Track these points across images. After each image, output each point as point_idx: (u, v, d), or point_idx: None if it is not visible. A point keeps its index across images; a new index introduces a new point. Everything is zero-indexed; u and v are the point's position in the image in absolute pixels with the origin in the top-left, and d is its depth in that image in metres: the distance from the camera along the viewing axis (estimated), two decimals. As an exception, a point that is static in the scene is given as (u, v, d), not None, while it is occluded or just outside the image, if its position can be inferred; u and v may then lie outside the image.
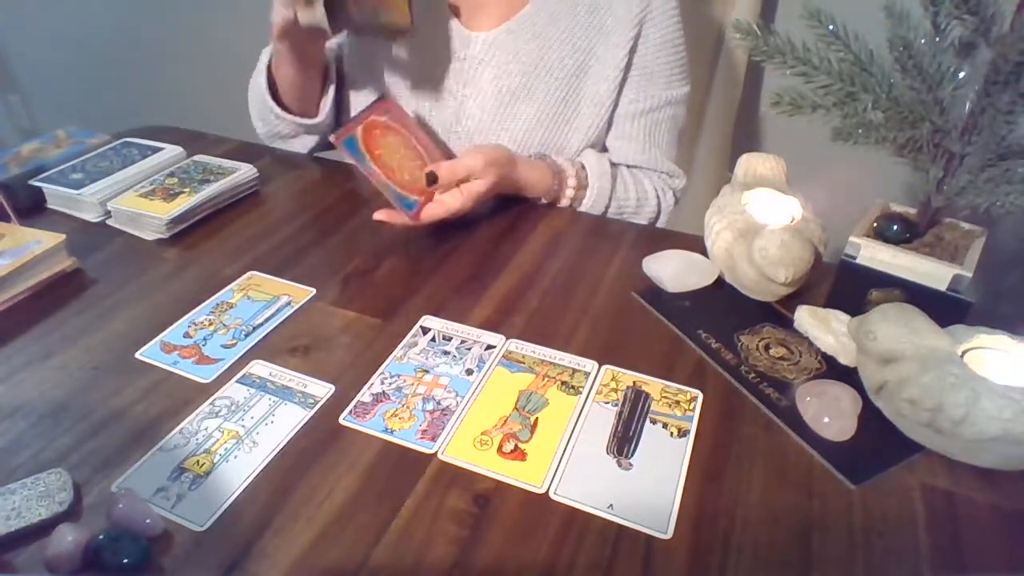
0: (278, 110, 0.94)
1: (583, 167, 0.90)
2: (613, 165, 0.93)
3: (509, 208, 0.88)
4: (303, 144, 1.00)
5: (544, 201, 0.89)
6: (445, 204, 0.79)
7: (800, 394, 0.59)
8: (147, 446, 0.55)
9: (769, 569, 0.47)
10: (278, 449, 0.55)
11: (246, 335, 0.66)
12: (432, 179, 0.77)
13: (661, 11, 0.88)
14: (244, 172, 0.89)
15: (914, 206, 0.67)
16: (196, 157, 0.93)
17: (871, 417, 0.57)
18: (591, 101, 0.91)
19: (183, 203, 0.81)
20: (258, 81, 0.95)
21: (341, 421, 0.57)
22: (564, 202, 0.90)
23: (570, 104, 0.91)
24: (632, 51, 0.89)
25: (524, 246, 0.81)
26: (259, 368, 0.63)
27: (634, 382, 0.62)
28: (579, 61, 0.90)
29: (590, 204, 0.89)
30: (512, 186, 0.85)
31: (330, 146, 1.04)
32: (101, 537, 0.46)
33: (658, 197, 0.95)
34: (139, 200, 0.82)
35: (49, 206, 0.86)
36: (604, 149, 0.97)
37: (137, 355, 0.64)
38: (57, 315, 0.69)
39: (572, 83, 0.90)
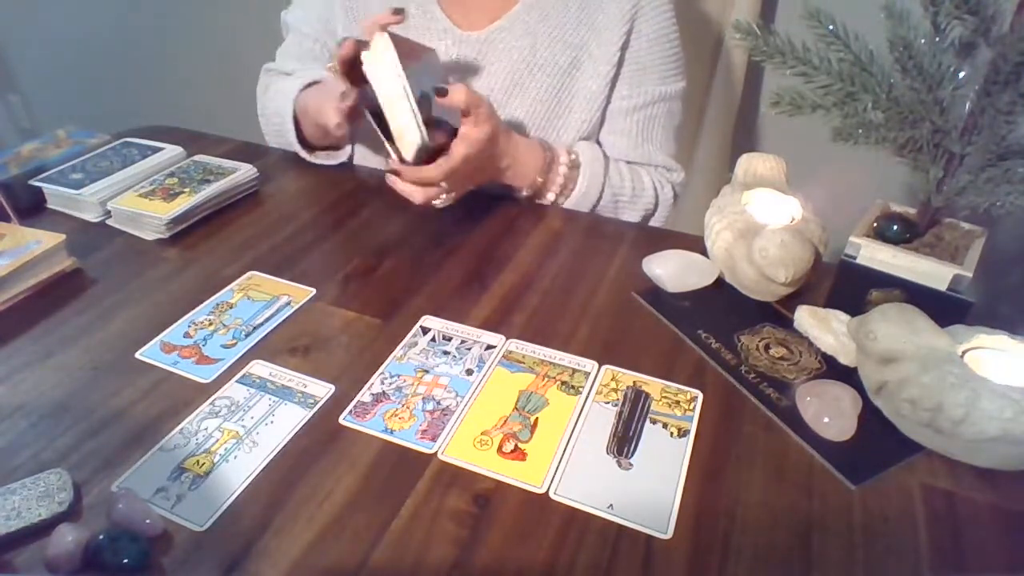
0: (308, 156, 0.97)
1: (576, 152, 0.90)
2: (607, 157, 0.93)
3: (509, 208, 0.88)
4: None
5: (540, 180, 0.87)
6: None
7: (800, 394, 0.59)
8: (147, 446, 0.55)
9: (769, 569, 0.47)
10: (278, 449, 0.55)
11: (246, 335, 0.66)
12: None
13: (653, 6, 0.88)
14: (244, 172, 0.89)
15: (914, 206, 0.67)
16: (196, 157, 0.93)
17: (871, 417, 0.57)
18: (584, 97, 0.91)
19: (183, 203, 0.81)
20: (285, 129, 0.95)
21: (341, 421, 0.57)
22: (556, 182, 0.88)
23: (563, 100, 0.91)
24: (624, 47, 0.89)
25: (524, 246, 0.81)
26: (259, 368, 0.63)
27: (634, 382, 0.62)
28: (571, 57, 0.90)
29: (584, 188, 0.88)
30: (503, 157, 0.83)
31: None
32: (101, 537, 0.46)
33: (655, 189, 0.94)
34: (139, 200, 0.82)
35: (49, 206, 0.86)
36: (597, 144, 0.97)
37: (137, 355, 0.64)
38: (57, 315, 0.69)
39: (564, 79, 0.90)
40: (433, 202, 0.80)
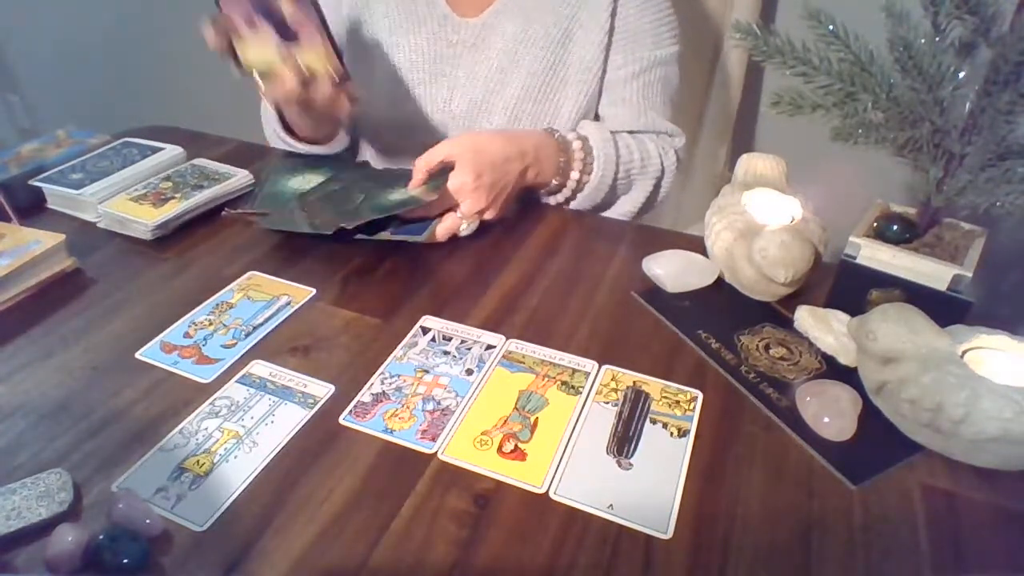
0: (295, 143, 0.95)
1: (586, 138, 0.89)
2: (611, 132, 0.93)
3: (508, 207, 0.88)
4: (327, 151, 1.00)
5: (562, 159, 0.86)
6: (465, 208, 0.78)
7: (800, 394, 0.59)
8: (147, 446, 0.55)
9: (769, 569, 0.47)
10: (278, 449, 0.55)
11: (246, 335, 0.66)
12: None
13: None
14: (239, 179, 0.88)
15: (914, 206, 0.67)
16: (195, 161, 0.93)
17: (871, 417, 0.57)
18: (578, 68, 0.92)
19: (171, 209, 0.81)
20: (269, 117, 0.95)
21: (341, 421, 0.57)
22: (577, 158, 0.87)
23: (558, 72, 0.92)
24: (613, 14, 0.90)
25: (524, 246, 0.81)
26: (259, 368, 0.63)
27: (634, 382, 0.62)
28: (564, 29, 0.91)
29: (600, 174, 0.88)
30: (525, 156, 0.83)
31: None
32: (101, 537, 0.46)
33: (660, 156, 0.94)
34: (128, 204, 0.82)
35: (49, 206, 0.86)
36: (596, 118, 0.97)
37: (137, 355, 0.64)
38: (57, 315, 0.69)
39: (558, 52, 0.91)
40: (460, 231, 0.80)
